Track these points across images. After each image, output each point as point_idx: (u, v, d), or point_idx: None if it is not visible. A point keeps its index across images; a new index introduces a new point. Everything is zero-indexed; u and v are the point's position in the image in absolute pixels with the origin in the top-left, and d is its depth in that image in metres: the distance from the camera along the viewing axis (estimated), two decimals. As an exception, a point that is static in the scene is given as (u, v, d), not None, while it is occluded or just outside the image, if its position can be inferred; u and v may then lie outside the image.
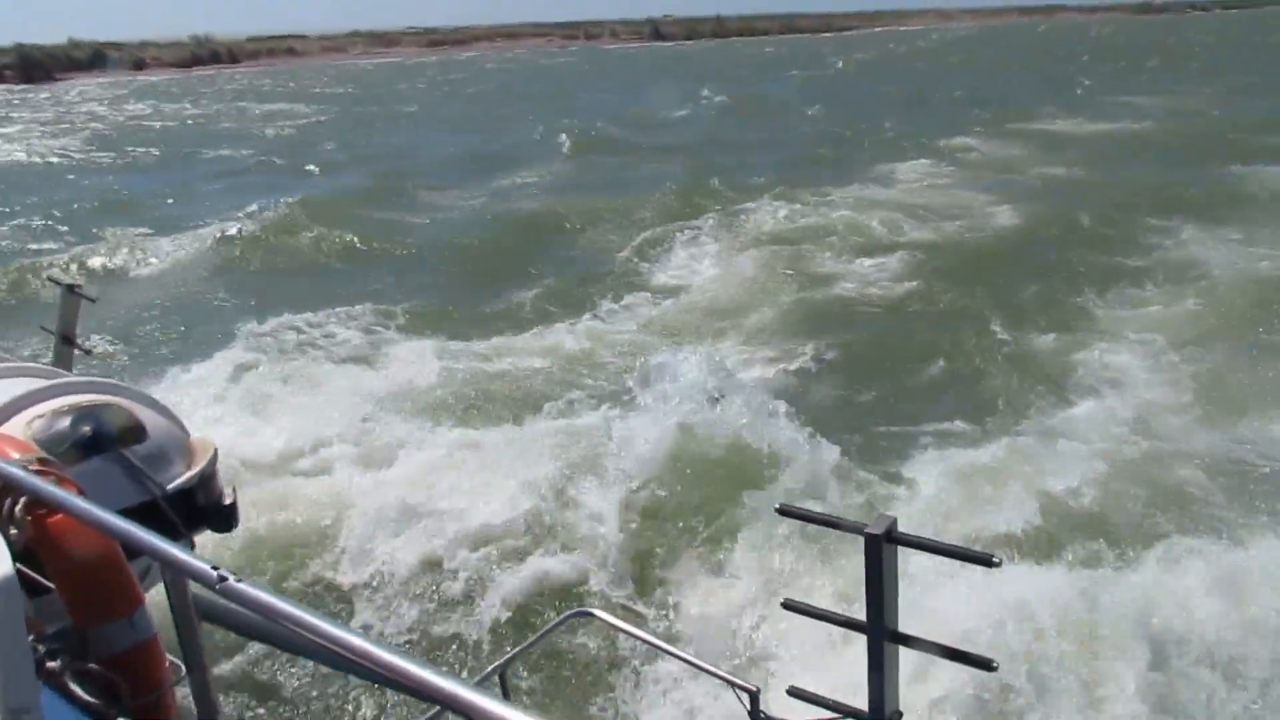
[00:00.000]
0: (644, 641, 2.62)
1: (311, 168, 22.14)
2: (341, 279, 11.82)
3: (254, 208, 15.22)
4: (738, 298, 10.28)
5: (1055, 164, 17.79)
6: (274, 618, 1.26)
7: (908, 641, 1.83)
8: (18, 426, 2.19)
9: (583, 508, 5.40)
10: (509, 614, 4.54)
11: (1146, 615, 4.28)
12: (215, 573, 1.31)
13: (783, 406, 6.12)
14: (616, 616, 2.52)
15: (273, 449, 6.37)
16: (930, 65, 50.84)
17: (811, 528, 4.09)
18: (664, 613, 4.49)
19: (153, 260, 13.23)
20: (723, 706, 3.47)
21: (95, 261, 13.08)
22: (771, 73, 48.13)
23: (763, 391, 6.70)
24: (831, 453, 5.70)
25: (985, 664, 1.83)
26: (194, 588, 1.76)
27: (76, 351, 3.64)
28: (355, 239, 13.88)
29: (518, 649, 2.49)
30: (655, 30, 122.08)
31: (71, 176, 22.89)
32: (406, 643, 4.43)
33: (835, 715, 1.92)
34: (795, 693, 1.98)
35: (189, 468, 2.41)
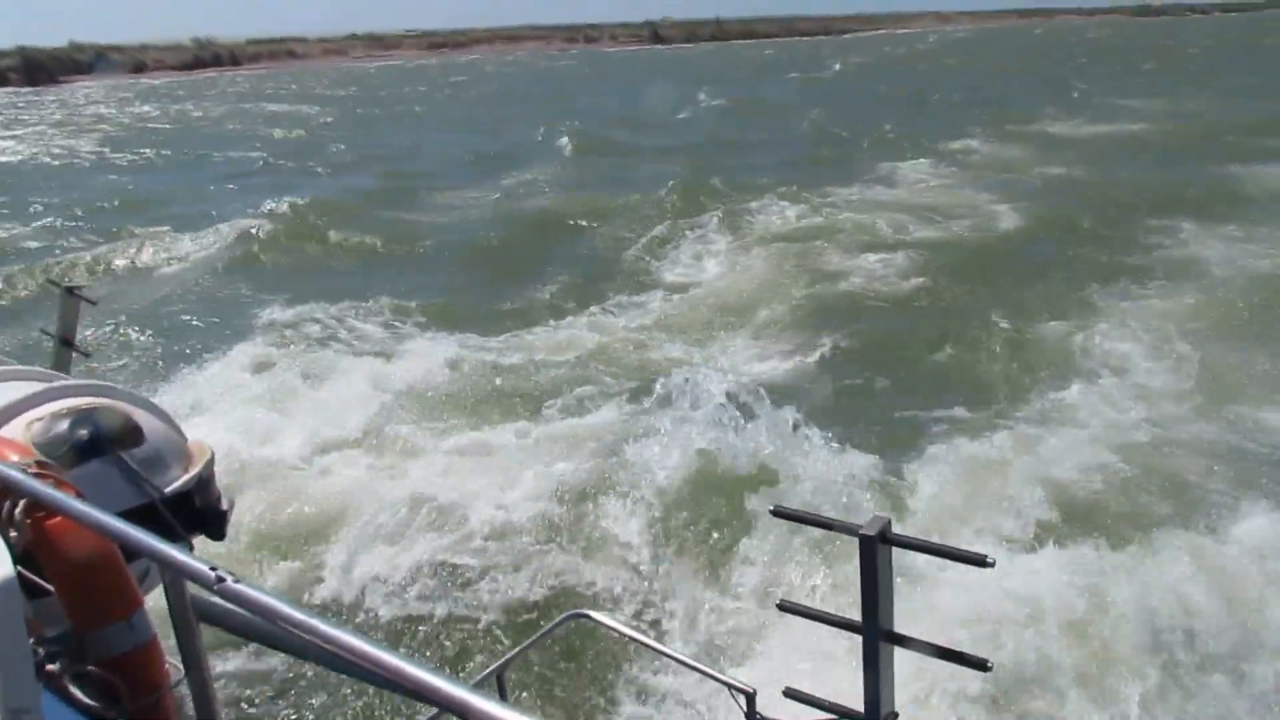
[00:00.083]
0: (641, 643, 2.63)
1: (321, 168, 22.28)
2: (354, 277, 11.88)
3: (266, 207, 15.32)
4: (746, 294, 10.35)
5: (1054, 164, 17.88)
6: (272, 619, 1.26)
7: (903, 642, 1.83)
8: (17, 430, 2.20)
9: (581, 510, 5.41)
10: (507, 616, 4.55)
11: (1145, 612, 4.29)
12: (213, 573, 1.31)
13: (790, 413, 6.15)
14: (613, 618, 2.53)
15: (278, 446, 6.40)
16: (929, 67, 50.97)
17: (807, 529, 4.10)
18: (661, 614, 4.50)
19: (169, 258, 13.34)
20: (719, 708, 3.48)
21: (117, 261, 13.21)
22: (771, 75, 48.21)
23: (770, 396, 6.74)
24: (835, 449, 5.74)
25: (980, 664, 1.83)
26: (193, 589, 1.76)
27: (75, 354, 3.64)
28: (366, 238, 14.00)
29: (515, 650, 2.49)
30: (654, 33, 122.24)
31: (87, 176, 23.08)
32: (405, 644, 4.43)
33: (831, 716, 1.93)
34: (791, 694, 1.99)
35: (186, 471, 2.42)
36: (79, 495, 1.75)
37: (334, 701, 4.07)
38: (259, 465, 6.10)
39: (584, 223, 14.41)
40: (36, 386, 2.41)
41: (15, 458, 1.87)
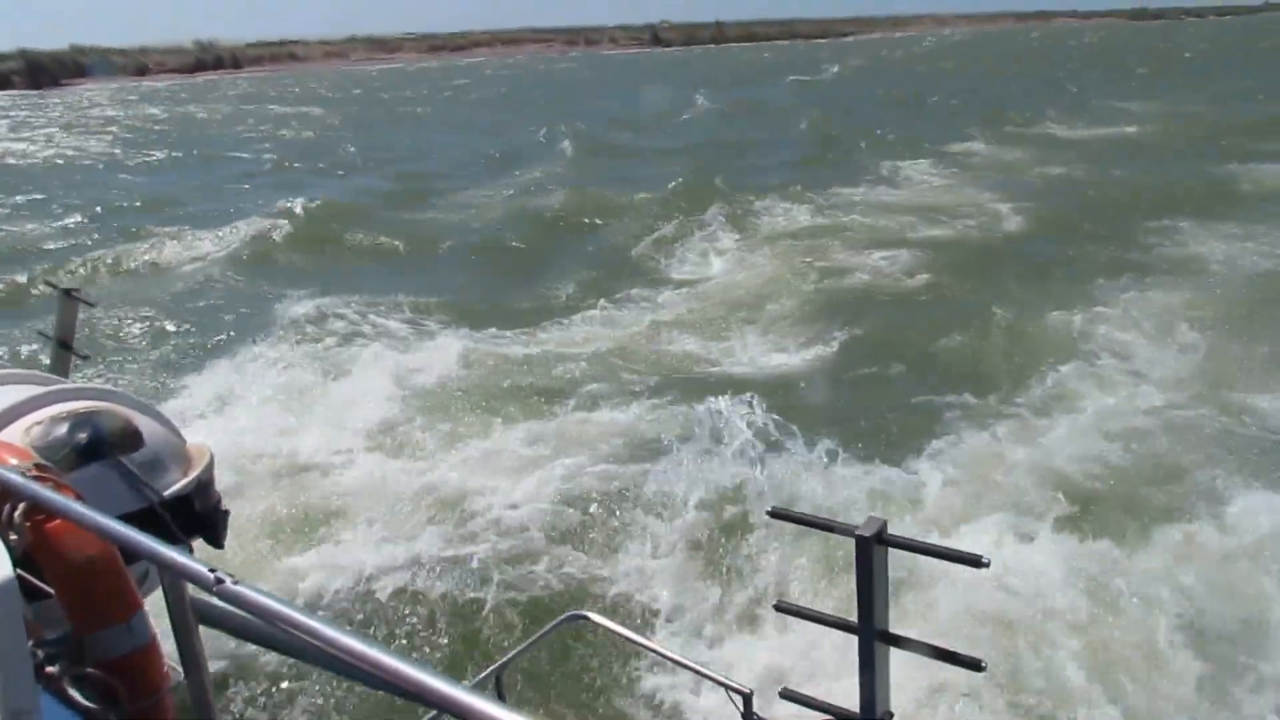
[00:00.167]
0: (639, 645, 2.64)
1: (330, 169, 22.41)
2: (366, 276, 11.90)
3: (278, 207, 15.43)
4: (754, 290, 10.43)
5: (1053, 165, 18.00)
6: (271, 620, 1.27)
7: (898, 642, 1.84)
8: (16, 433, 2.21)
9: (581, 511, 5.42)
10: (506, 617, 4.56)
11: (1145, 608, 4.30)
12: (212, 575, 1.32)
13: (793, 414, 6.19)
14: (612, 620, 2.53)
15: (288, 443, 6.42)
16: (927, 69, 51.12)
17: (804, 530, 4.11)
18: (659, 615, 4.51)
19: (185, 257, 13.41)
20: (717, 709, 3.48)
21: (135, 260, 13.25)
22: (771, 77, 48.32)
23: (772, 396, 6.80)
24: (838, 449, 5.78)
25: (974, 664, 1.84)
26: (192, 591, 1.77)
27: (74, 357, 3.64)
28: (378, 237, 14.11)
29: (514, 652, 2.50)
30: (655, 36, 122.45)
31: (100, 176, 23.23)
32: (403, 645, 4.44)
33: (827, 716, 1.93)
34: (788, 694, 2.00)
35: (185, 474, 2.42)
36: (78, 498, 1.76)
37: (332, 703, 4.08)
38: (264, 462, 6.12)
39: (591, 222, 14.52)
40: (36, 390, 2.42)
41: (15, 461, 1.87)
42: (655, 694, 4.02)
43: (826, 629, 1.99)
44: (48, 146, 30.59)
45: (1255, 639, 4.13)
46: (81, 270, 12.71)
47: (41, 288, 11.03)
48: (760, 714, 2.17)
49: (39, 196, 19.53)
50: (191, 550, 2.35)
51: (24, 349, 8.50)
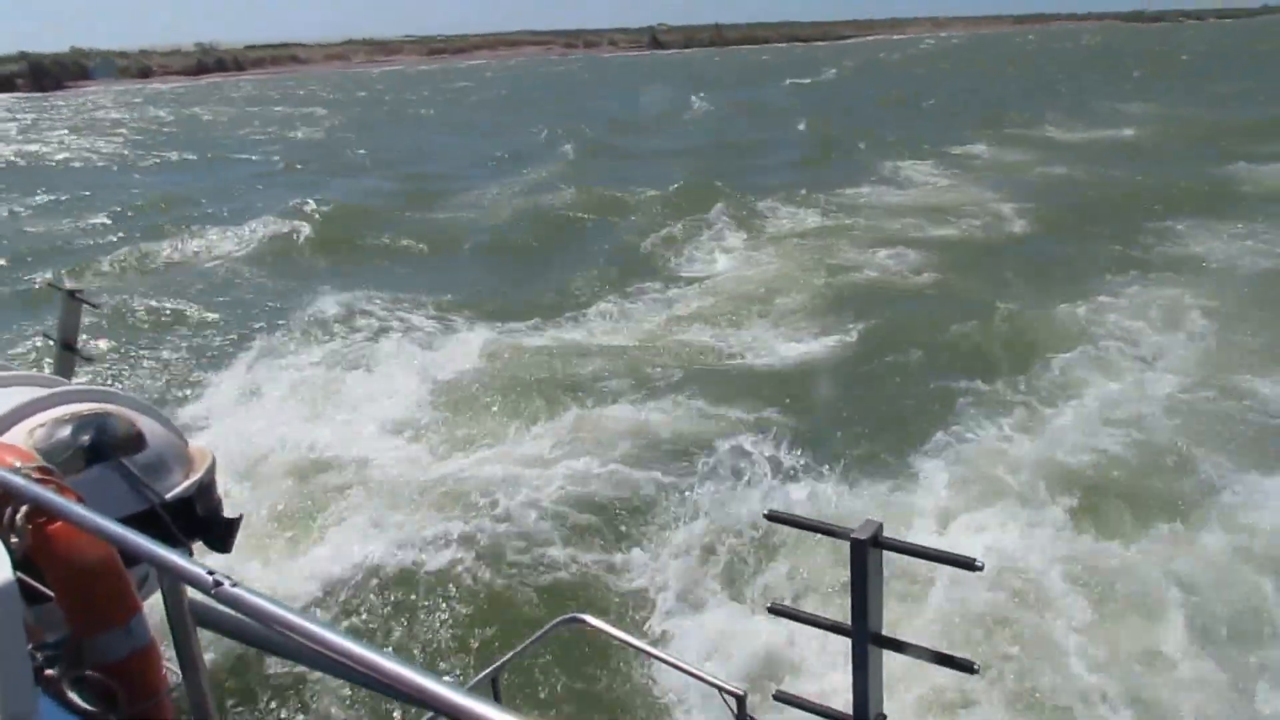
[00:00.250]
0: (634, 647, 2.65)
1: (339, 169, 22.55)
2: (380, 275, 11.92)
3: (291, 206, 15.51)
4: (763, 287, 10.51)
5: (1053, 166, 18.10)
6: (269, 623, 1.28)
7: (891, 644, 1.86)
8: (19, 435, 2.22)
9: (579, 513, 5.43)
10: (502, 619, 4.57)
11: (1144, 610, 4.32)
12: (211, 577, 1.33)
13: (795, 416, 6.20)
14: (608, 622, 2.54)
15: (292, 441, 6.43)
16: (927, 71, 51.23)
17: (800, 533, 4.12)
18: (654, 617, 4.52)
19: (201, 256, 13.51)
20: (711, 710, 3.50)
21: (149, 260, 13.32)
22: (771, 80, 48.40)
23: (774, 396, 6.84)
24: (841, 447, 5.79)
25: (967, 666, 1.86)
26: (191, 594, 1.78)
27: (78, 358, 3.65)
28: (390, 237, 14.18)
29: (510, 654, 2.51)
30: (653, 39, 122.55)
31: (113, 178, 23.32)
32: (401, 647, 4.45)
33: (820, 718, 1.95)
34: (781, 696, 2.02)
35: (187, 477, 2.44)
36: (80, 501, 1.77)
37: (330, 705, 4.09)
38: (272, 460, 6.15)
39: (598, 222, 14.63)
40: (39, 392, 2.43)
41: (17, 463, 1.89)
42: (650, 695, 4.04)
43: (820, 631, 2.00)
44: (61, 149, 30.71)
45: (1259, 636, 4.11)
46: (106, 269, 12.83)
47: (47, 288, 11.08)
48: (754, 715, 2.18)
49: (55, 198, 19.69)
50: (191, 553, 2.37)
51: (30, 347, 8.55)
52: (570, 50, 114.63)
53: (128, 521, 1.72)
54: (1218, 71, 38.93)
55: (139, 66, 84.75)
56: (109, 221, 16.47)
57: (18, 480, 1.74)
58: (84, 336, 4.49)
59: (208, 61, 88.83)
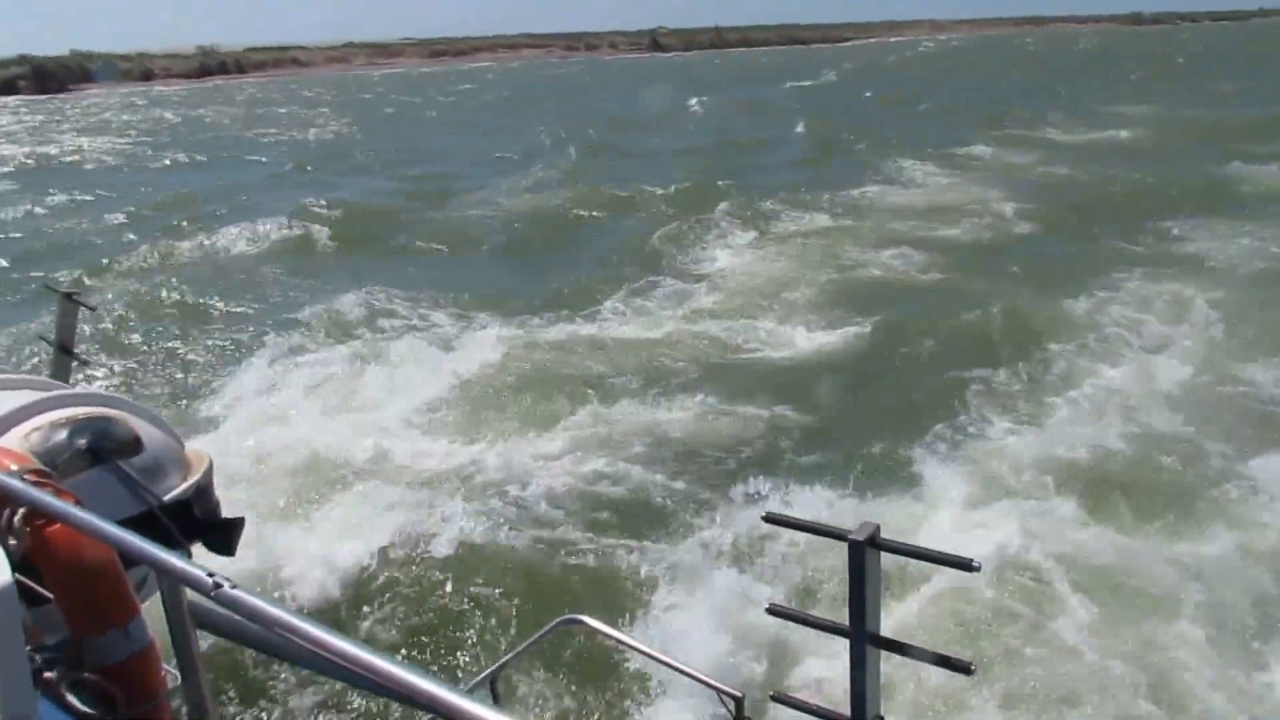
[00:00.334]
0: (632, 648, 2.65)
1: (348, 170, 22.77)
2: (391, 273, 11.97)
3: (302, 206, 15.63)
4: (771, 284, 10.62)
5: (1053, 166, 18.19)
6: (268, 625, 1.28)
7: (889, 645, 1.86)
8: (15, 439, 2.22)
9: (578, 513, 5.44)
10: (501, 620, 4.58)
11: (1146, 607, 4.32)
12: (210, 579, 1.33)
13: (798, 417, 6.20)
14: (606, 623, 2.54)
15: (294, 441, 6.43)
16: (926, 72, 51.33)
17: (797, 534, 4.13)
18: (653, 619, 4.53)
19: (214, 254, 13.61)
20: (709, 712, 3.50)
21: (177, 255, 13.46)
22: (771, 81, 48.52)
23: (776, 396, 6.83)
24: (844, 447, 5.80)
25: (964, 668, 1.86)
26: (190, 596, 1.78)
27: (75, 361, 3.65)
28: (402, 236, 14.30)
29: (509, 655, 2.51)
30: (654, 41, 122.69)
31: (125, 178, 23.45)
32: (400, 649, 4.46)
33: (818, 719, 1.95)
34: (779, 698, 2.02)
35: (185, 479, 2.44)
36: (78, 503, 1.77)
37: (329, 707, 4.09)
38: (274, 459, 6.15)
39: (606, 220, 14.79)
40: (36, 395, 2.44)
41: (14, 466, 1.89)
42: (648, 697, 4.04)
43: (819, 632, 2.00)
44: (71, 150, 30.84)
45: (1268, 631, 4.10)
46: (123, 267, 12.92)
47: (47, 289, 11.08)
48: (751, 718, 2.18)
49: (69, 198, 19.81)
50: (190, 555, 2.37)
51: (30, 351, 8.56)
52: (571, 53, 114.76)
53: (126, 524, 1.72)
54: (1216, 72, 39.02)
55: (141, 69, 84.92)
56: (124, 220, 16.69)
57: (15, 483, 1.74)
58: (93, 339, 4.49)
59: (210, 64, 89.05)
